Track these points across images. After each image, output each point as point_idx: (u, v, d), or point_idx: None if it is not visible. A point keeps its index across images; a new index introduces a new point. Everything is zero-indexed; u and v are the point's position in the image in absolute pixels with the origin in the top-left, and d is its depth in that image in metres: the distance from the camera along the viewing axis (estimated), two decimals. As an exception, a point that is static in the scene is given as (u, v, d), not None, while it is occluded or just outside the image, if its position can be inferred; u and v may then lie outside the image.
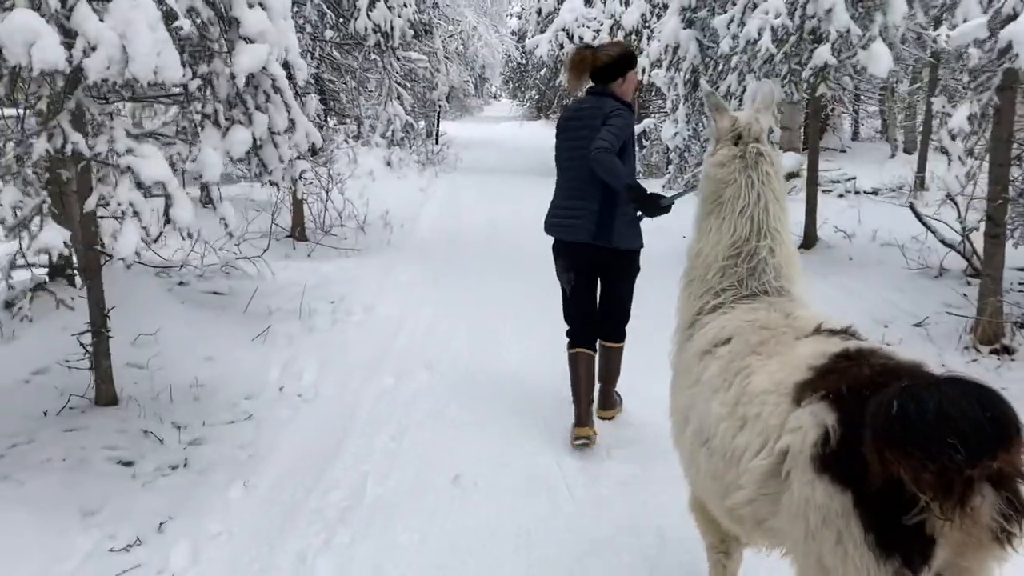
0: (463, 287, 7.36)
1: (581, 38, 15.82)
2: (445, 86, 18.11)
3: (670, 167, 13.13)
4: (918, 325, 5.98)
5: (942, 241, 7.00)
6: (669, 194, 3.66)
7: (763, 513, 1.87)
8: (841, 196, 11.26)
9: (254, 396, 4.50)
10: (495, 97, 50.93)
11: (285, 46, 3.78)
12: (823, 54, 5.25)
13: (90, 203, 3.20)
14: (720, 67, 7.55)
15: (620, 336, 4.13)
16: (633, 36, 14.79)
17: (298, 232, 9.16)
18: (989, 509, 1.53)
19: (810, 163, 8.40)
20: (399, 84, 9.29)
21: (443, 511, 3.38)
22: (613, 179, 3.52)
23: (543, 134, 22.06)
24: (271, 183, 4.26)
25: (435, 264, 8.38)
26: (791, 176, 11.21)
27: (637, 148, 14.17)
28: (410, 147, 16.86)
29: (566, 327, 4.14)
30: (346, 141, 13.10)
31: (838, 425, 1.64)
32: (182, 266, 6.98)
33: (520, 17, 38.07)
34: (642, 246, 3.97)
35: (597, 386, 4.15)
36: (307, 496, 3.49)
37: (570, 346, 4.08)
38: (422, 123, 21.46)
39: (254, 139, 3.66)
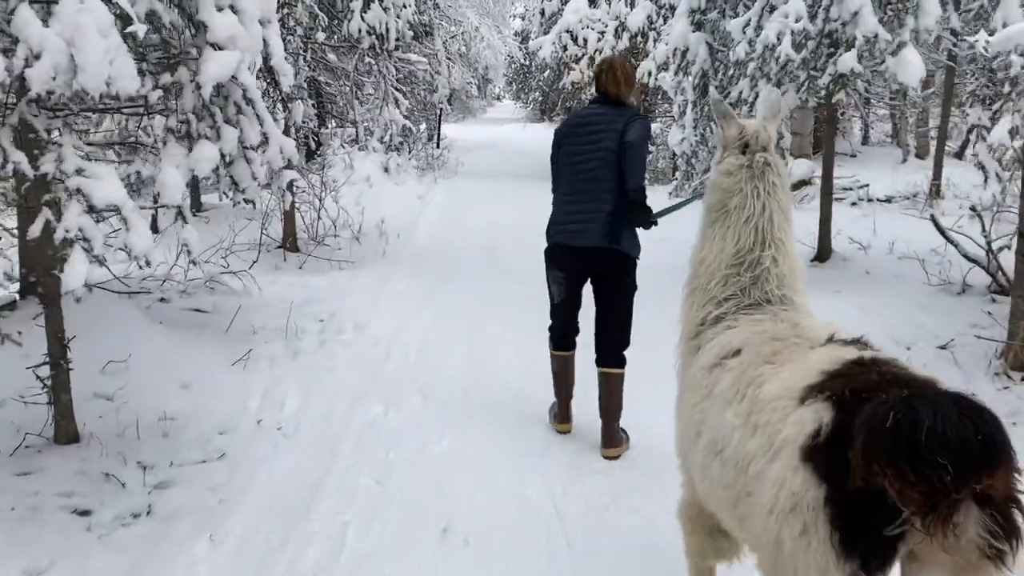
0: (461, 301, 7.02)
1: (585, 40, 15.50)
2: (446, 88, 17.78)
3: (677, 173, 12.76)
4: (943, 348, 5.62)
5: (965, 256, 6.64)
6: (656, 210, 3.88)
7: None
8: (854, 204, 10.90)
9: (229, 430, 4.16)
10: (498, 98, 50.62)
11: (261, 51, 3.43)
12: (848, 61, 4.88)
13: (34, 230, 2.85)
14: (731, 72, 7.21)
15: (621, 361, 4.01)
16: (639, 38, 14.44)
17: (289, 243, 8.82)
18: (974, 527, 1.53)
19: (824, 172, 8.05)
20: (396, 88, 8.93)
21: (428, 572, 3.03)
22: (641, 197, 3.80)
23: (546, 136, 21.49)
24: (246, 201, 3.90)
25: (432, 276, 8.04)
26: (802, 184, 10.86)
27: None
28: (409, 152, 16.53)
29: (550, 328, 4.24)
30: (343, 146, 12.78)
31: (832, 422, 1.66)
32: (164, 281, 6.66)
33: (523, 18, 37.79)
34: (639, 254, 3.99)
35: (599, 424, 4.05)
36: (279, 552, 3.15)
37: (553, 347, 4.18)
38: (423, 126, 21.16)
39: (223, 155, 3.31)
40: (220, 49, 3.12)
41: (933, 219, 6.72)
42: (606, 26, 15.28)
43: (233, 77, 3.17)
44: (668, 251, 6.59)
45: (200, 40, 3.18)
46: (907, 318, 6.28)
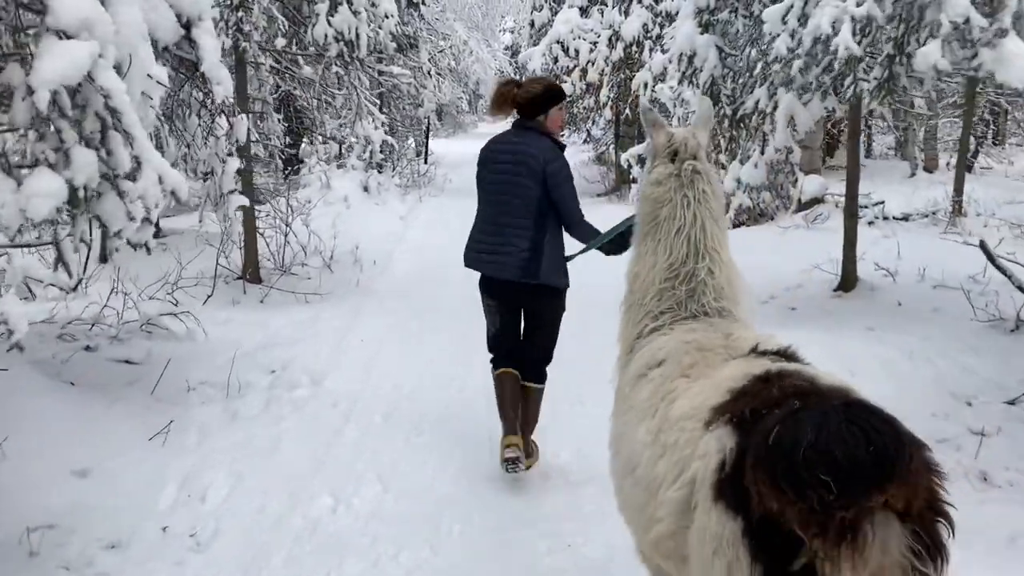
0: (439, 346, 6.09)
1: (577, 51, 14.66)
2: (432, 103, 16.92)
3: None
4: (1011, 403, 4.71)
5: (1020, 287, 5.74)
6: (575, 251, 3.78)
7: (685, 548, 1.73)
8: (871, 224, 10.01)
9: (123, 543, 3.20)
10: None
11: (133, 46, 2.52)
12: (930, 55, 3.92)
13: None
14: (745, 79, 6.32)
15: (541, 376, 4.04)
16: (634, 47, 13.60)
17: (250, 273, 7.88)
18: (896, 545, 1.41)
19: (848, 191, 7.16)
20: (371, 101, 8.03)
21: None
22: (583, 237, 3.71)
23: None
24: (131, 246, 2.98)
25: (409, 312, 7.11)
26: (815, 202, 9.99)
27: (640, 168, 12.95)
28: (393, 169, 15.64)
29: (490, 355, 4.11)
30: (319, 163, 11.88)
31: (734, 450, 1.57)
32: (93, 325, 5.72)
33: (513, 32, 37.16)
34: (567, 286, 3.90)
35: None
36: None
37: (494, 368, 4.03)
38: (411, 141, 20.31)
39: (76, 188, 2.38)
40: (67, 39, 2.20)
41: (983, 246, 5.83)
42: (598, 36, 14.45)
43: (89, 78, 2.25)
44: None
45: (43, 27, 2.26)
46: (960, 364, 5.36)
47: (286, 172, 8.96)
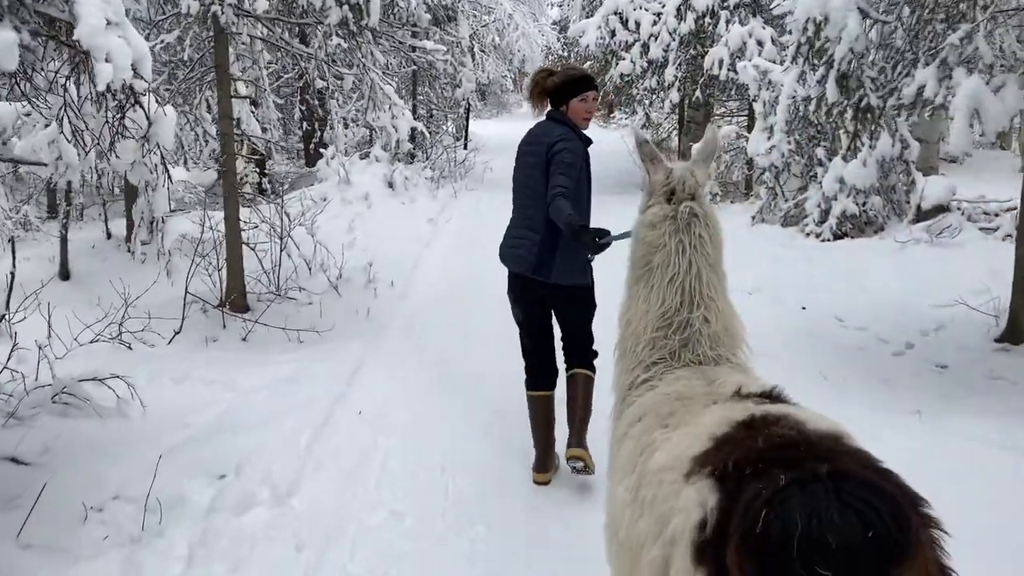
0: (471, 422, 4.42)
1: (638, 23, 12.74)
2: (471, 82, 15.15)
3: (762, 190, 9.97)
4: None
5: None
6: (615, 233, 3.10)
7: None
8: (1009, 238, 8.04)
9: None
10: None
11: None
12: None
13: None
14: (900, 56, 4.47)
15: (585, 361, 3.73)
16: (707, 19, 11.66)
17: (233, 300, 6.26)
18: None
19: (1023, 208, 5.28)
20: (387, 82, 6.31)
21: None
22: (558, 220, 3.33)
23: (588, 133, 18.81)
24: None
25: (428, 364, 5.43)
26: (940, 210, 8.04)
27: (714, 164, 11.07)
28: (427, 158, 13.93)
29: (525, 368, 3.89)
30: (336, 155, 10.23)
31: (716, 510, 1.43)
32: (-12, 395, 4.16)
33: (561, 6, 35.09)
34: (589, 283, 3.67)
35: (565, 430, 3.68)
36: None
37: (528, 387, 3.84)
38: (449, 125, 18.62)
39: None
40: None
41: None
42: (663, 5, 12.50)
43: None
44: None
45: None
46: None
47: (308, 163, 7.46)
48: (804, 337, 5.97)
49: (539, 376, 3.81)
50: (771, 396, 1.84)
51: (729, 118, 13.51)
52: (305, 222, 7.40)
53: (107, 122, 3.23)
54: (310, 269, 7.25)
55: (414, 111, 14.94)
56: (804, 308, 6.54)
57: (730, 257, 7.44)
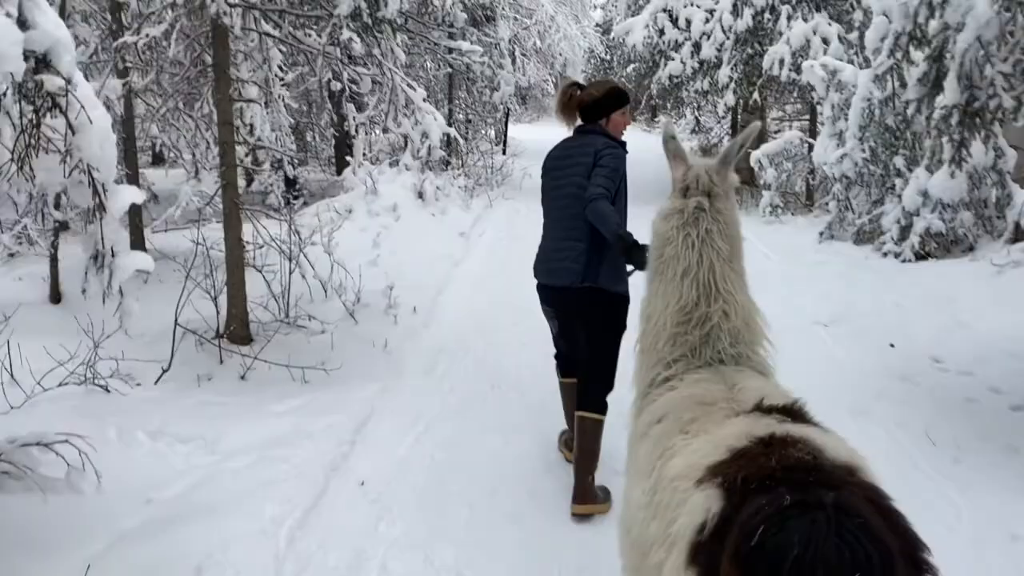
0: (497, 506, 3.58)
1: (688, 21, 11.81)
2: (510, 85, 14.34)
3: (828, 202, 8.98)
4: None
5: None
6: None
7: None
8: None
9: None
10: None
11: None
12: None
13: None
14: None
15: (595, 404, 3.53)
16: (765, 15, 10.69)
17: (234, 330, 5.50)
18: None
19: None
20: (410, 85, 5.50)
21: None
22: (604, 227, 3.31)
23: (631, 138, 17.65)
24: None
25: (448, 412, 4.62)
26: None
27: (776, 172, 10.12)
28: (462, 165, 13.14)
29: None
30: (363, 163, 9.48)
31: (717, 516, 1.47)
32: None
33: (605, 7, 34.08)
34: (626, 294, 3.54)
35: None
36: None
37: (560, 374, 3.92)
38: (489, 130, 17.86)
39: None
40: None
41: None
42: (717, 1, 11.56)
43: None
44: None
45: None
46: None
47: (294, 188, 6.77)
48: (897, 384, 5.02)
49: (570, 366, 3.81)
50: (792, 412, 1.80)
51: (788, 122, 12.49)
52: (321, 239, 6.63)
53: (22, 131, 2.46)
54: (325, 292, 6.48)
55: (450, 116, 14.17)
56: (892, 346, 5.58)
57: (798, 279, 6.38)
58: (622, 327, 3.57)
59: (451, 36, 13.20)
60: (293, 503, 3.45)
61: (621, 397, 2.91)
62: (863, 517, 1.32)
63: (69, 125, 2.45)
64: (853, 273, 7.27)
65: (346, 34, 4.56)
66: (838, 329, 6.00)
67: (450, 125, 13.96)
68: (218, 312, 5.48)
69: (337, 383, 5.00)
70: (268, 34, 5.17)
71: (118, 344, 5.42)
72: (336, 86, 5.84)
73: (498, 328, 6.07)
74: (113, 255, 3.05)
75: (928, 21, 3.94)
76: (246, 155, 9.37)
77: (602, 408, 3.54)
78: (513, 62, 18.62)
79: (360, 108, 6.28)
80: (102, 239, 2.80)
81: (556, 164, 3.63)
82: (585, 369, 3.61)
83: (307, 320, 5.92)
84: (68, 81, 2.43)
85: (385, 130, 6.22)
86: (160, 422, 4.29)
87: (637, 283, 3.45)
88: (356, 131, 6.50)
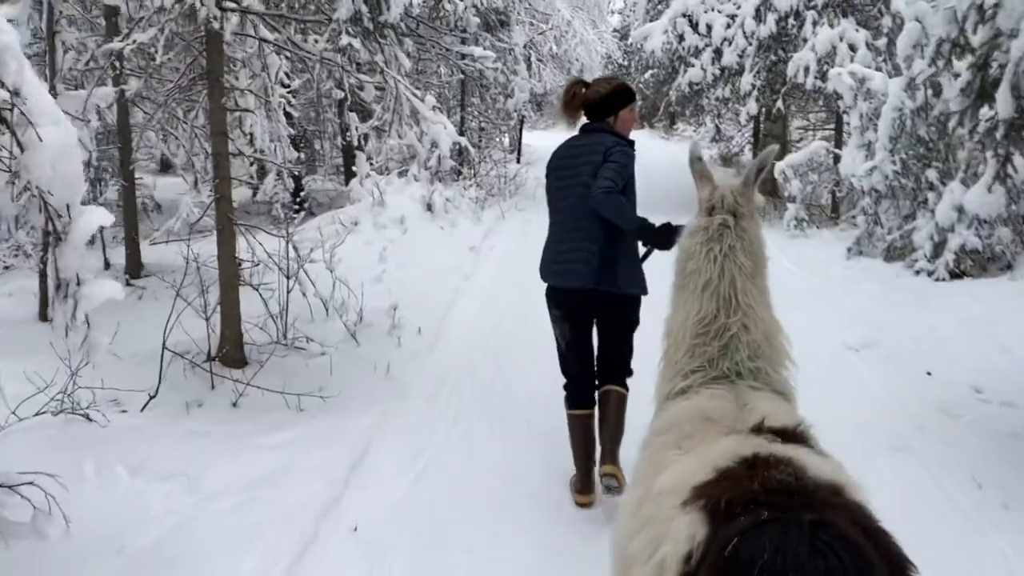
0: (500, 556, 3.25)
1: (709, 27, 11.47)
2: (524, 92, 14.04)
3: (855, 216, 8.59)
4: None
5: None
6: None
7: None
8: None
9: None
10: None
11: None
12: None
13: None
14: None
15: (620, 379, 3.64)
16: (790, 21, 10.32)
17: (227, 353, 5.20)
18: None
19: None
20: (415, 94, 5.19)
21: None
22: (621, 220, 3.33)
23: (646, 145, 17.19)
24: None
25: (453, 445, 4.30)
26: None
27: (801, 184, 9.74)
28: (474, 175, 12.83)
29: (563, 381, 3.79)
30: (370, 173, 9.19)
31: (703, 543, 1.45)
32: None
33: (622, 13, 33.75)
34: (646, 293, 3.53)
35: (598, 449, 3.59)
36: None
37: (569, 406, 3.70)
38: (504, 138, 17.57)
39: None
40: None
41: None
42: (738, 7, 11.21)
43: None
44: None
45: None
46: None
47: (297, 199, 6.50)
48: (936, 417, 4.65)
49: (582, 395, 3.68)
50: (787, 434, 1.77)
51: (812, 131, 12.10)
52: (324, 254, 6.33)
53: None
54: (327, 311, 6.18)
55: (462, 123, 13.88)
56: (930, 374, 5.20)
57: (825, 297, 5.99)
58: (637, 324, 3.63)
59: (463, 41, 12.91)
60: (278, 553, 3.14)
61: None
62: (840, 531, 1.31)
63: (17, 142, 2.14)
64: (884, 292, 6.88)
65: (345, 39, 4.24)
66: (870, 354, 5.63)
67: (462, 133, 13.67)
68: (210, 333, 5.18)
69: (334, 411, 4.68)
70: (263, 39, 4.87)
71: (106, 367, 5.15)
72: (339, 94, 5.52)
73: (507, 350, 5.74)
74: (79, 283, 2.75)
75: (976, 27, 3.59)
76: (251, 165, 9.12)
77: (626, 383, 3.64)
78: (529, 68, 18.33)
79: (365, 117, 5.97)
80: (56, 269, 2.49)
81: (563, 164, 3.57)
82: (605, 362, 3.65)
83: (306, 342, 5.61)
84: (15, 93, 2.13)
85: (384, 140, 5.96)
86: (142, 455, 3.99)
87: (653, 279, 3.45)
88: (360, 141, 6.17)
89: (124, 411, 4.76)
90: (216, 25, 4.19)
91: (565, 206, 3.53)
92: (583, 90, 3.61)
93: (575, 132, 3.69)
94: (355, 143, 6.44)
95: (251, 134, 6.54)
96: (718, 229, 2.27)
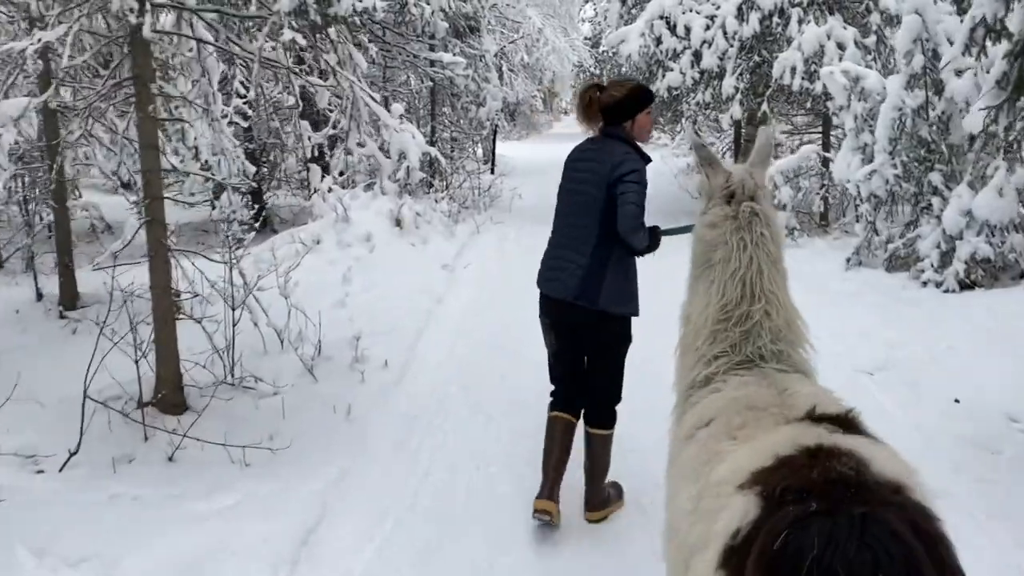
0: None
1: (688, 28, 10.98)
2: (497, 100, 13.47)
3: (849, 223, 8.08)
4: None
5: None
6: (669, 226, 3.46)
7: None
8: None
9: None
10: (565, 112, 46.29)
11: None
12: None
13: None
14: None
15: (606, 419, 3.52)
16: (774, 19, 9.84)
17: (164, 397, 4.54)
18: None
19: None
20: (371, 95, 4.57)
21: None
22: (643, 249, 3.32)
23: None
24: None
25: (421, 504, 3.69)
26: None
27: (792, 191, 9.23)
28: (446, 188, 12.22)
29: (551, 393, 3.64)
30: (332, 187, 8.56)
31: (752, 523, 1.46)
32: None
33: (593, 21, 33.37)
34: (636, 313, 3.45)
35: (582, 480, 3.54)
36: None
37: (551, 408, 3.57)
38: (476, 148, 17.00)
39: None
40: None
41: None
42: (718, 7, 10.72)
43: None
44: None
45: None
46: None
47: (256, 217, 5.86)
48: (973, 454, 4.10)
49: (567, 397, 3.57)
50: (844, 422, 1.74)
51: (798, 136, 11.63)
52: (277, 279, 5.69)
53: None
54: (281, 343, 5.53)
55: (433, 133, 13.28)
56: (957, 401, 4.66)
57: (828, 314, 5.45)
58: (628, 343, 3.51)
59: (432, 48, 12.33)
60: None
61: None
62: (891, 527, 1.29)
63: None
64: (891, 306, 6.35)
65: (288, 34, 3.63)
66: (886, 378, 5.08)
67: (433, 144, 13.06)
68: (141, 376, 4.50)
69: (285, 466, 4.04)
70: (199, 39, 4.24)
71: (26, 416, 4.50)
72: (290, 101, 4.90)
73: (484, 383, 5.12)
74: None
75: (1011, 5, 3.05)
76: (205, 181, 8.44)
77: (611, 422, 3.53)
78: (501, 78, 17.77)
79: (318, 126, 5.34)
80: None
81: (574, 166, 3.52)
82: (592, 392, 3.53)
83: (254, 382, 4.96)
84: None
85: (348, 152, 5.31)
86: (51, 532, 3.34)
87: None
88: (314, 152, 5.55)
89: (41, 471, 4.09)
90: (133, 20, 3.55)
91: (565, 211, 3.50)
92: (598, 94, 3.48)
93: (592, 131, 3.56)
94: (308, 155, 5.79)
95: (196, 148, 5.89)
96: (748, 217, 2.22)
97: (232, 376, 4.99)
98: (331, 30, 4.38)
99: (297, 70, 4.40)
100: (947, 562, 1.32)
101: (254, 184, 10.03)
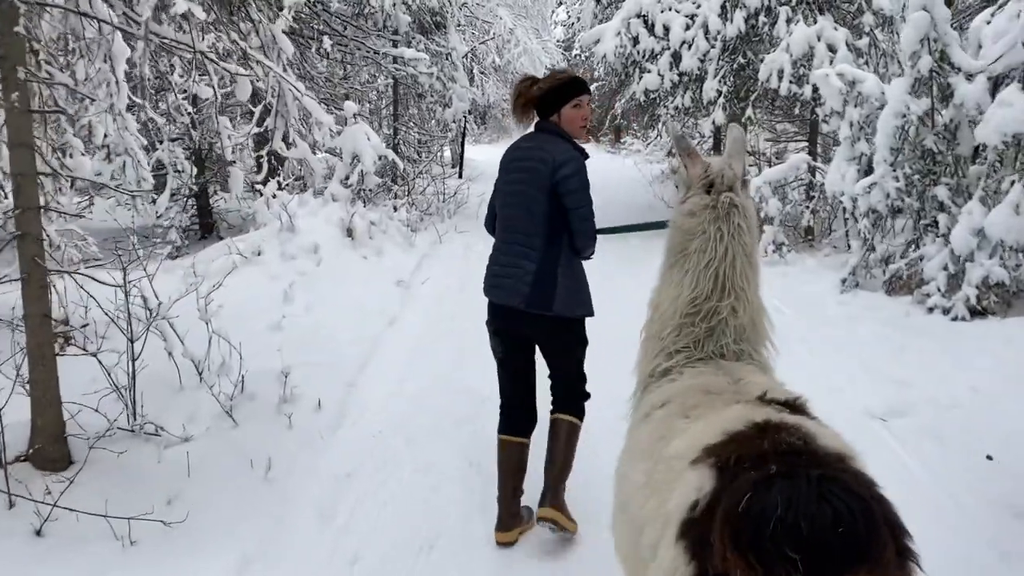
0: None
1: (666, 28, 10.29)
2: (464, 101, 12.69)
3: (838, 239, 7.43)
4: None
5: None
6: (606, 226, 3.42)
7: None
8: None
9: None
10: (537, 116, 45.69)
11: None
12: None
13: None
14: None
15: (572, 407, 3.36)
16: (760, 18, 9.18)
17: (39, 450, 3.70)
18: None
19: None
20: (294, 83, 3.78)
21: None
22: (591, 254, 3.33)
23: (593, 159, 15.64)
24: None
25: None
26: None
27: (780, 204, 8.55)
28: (408, 193, 11.42)
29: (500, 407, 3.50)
30: (281, 189, 7.74)
31: (710, 494, 1.48)
32: None
33: (565, 25, 32.75)
34: (591, 314, 3.33)
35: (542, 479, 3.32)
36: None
37: (501, 430, 3.41)
38: (444, 151, 16.24)
39: None
40: None
41: None
42: (698, 5, 10.05)
43: None
44: None
45: None
46: None
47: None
48: (1015, 527, 3.41)
49: (516, 420, 3.40)
50: (793, 406, 1.81)
51: (782, 144, 10.98)
52: (197, 300, 4.86)
53: None
54: (200, 376, 4.71)
55: (395, 135, 12.47)
56: (990, 458, 3.97)
57: (826, 346, 4.52)
58: (584, 344, 3.39)
59: (395, 44, 11.53)
60: None
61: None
62: (847, 485, 1.33)
63: None
64: (897, 337, 5.67)
65: (181, 5, 2.83)
66: (901, 426, 4.38)
67: (396, 145, 12.25)
68: (3, 429, 3.65)
69: (180, 544, 3.24)
70: (83, 13, 3.42)
71: None
72: (207, 92, 4.09)
73: (435, 434, 4.34)
74: None
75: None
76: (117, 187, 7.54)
77: (580, 413, 3.38)
78: (472, 80, 17.02)
79: (231, 123, 4.52)
80: None
81: (510, 166, 3.36)
82: (556, 383, 3.40)
83: (155, 430, 4.12)
84: None
85: (272, 153, 4.56)
86: None
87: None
88: (234, 152, 4.74)
89: None
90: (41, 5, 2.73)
91: (507, 214, 3.33)
92: (530, 87, 3.35)
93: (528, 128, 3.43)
94: (227, 156, 4.97)
95: (107, 147, 5.06)
96: (727, 208, 2.22)
97: (135, 419, 4.15)
98: (251, 8, 3.57)
99: (207, 53, 3.58)
100: (897, 521, 1.36)
101: (193, 187, 9.17)
